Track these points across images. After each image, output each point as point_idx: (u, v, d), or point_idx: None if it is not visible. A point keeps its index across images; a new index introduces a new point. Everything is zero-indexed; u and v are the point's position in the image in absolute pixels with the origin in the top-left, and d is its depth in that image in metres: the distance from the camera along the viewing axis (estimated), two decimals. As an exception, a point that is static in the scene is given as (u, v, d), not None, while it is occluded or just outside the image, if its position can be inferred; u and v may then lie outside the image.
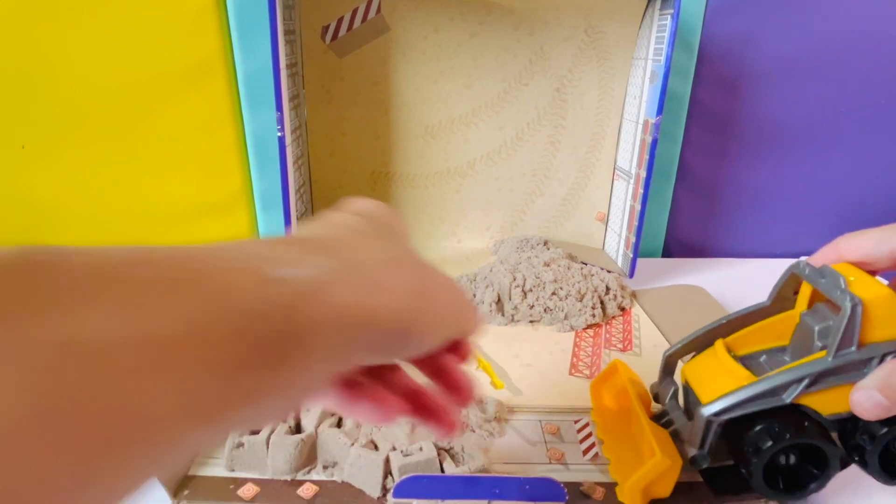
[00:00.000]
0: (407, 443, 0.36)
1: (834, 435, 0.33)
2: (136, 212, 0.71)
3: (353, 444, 0.36)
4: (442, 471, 0.34)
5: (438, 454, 0.35)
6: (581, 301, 0.57)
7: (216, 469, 0.36)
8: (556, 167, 0.73)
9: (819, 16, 0.67)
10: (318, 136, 0.71)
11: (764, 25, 0.67)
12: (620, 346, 0.53)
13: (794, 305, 0.37)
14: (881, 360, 0.31)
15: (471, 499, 0.32)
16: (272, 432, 0.36)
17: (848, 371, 0.32)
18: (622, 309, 0.59)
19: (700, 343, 0.39)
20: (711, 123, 0.72)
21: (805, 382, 0.32)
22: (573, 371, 0.49)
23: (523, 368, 0.49)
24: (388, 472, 0.35)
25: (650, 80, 0.61)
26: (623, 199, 0.68)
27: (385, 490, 0.34)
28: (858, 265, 0.34)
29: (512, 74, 0.69)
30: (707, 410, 0.33)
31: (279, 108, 0.58)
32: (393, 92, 0.69)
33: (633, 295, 0.62)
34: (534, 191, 0.74)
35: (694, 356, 0.38)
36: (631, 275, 0.65)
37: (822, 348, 0.33)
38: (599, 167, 0.72)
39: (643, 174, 0.62)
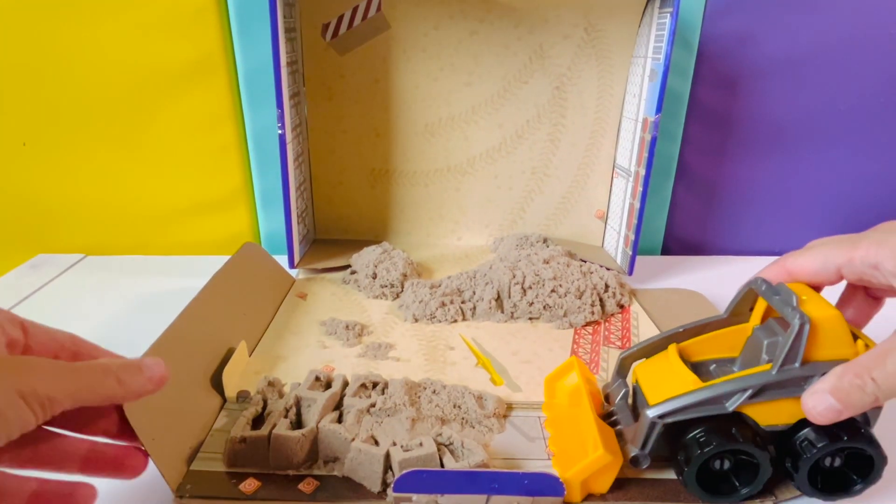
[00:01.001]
0: (407, 438, 0.36)
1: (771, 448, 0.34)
2: (136, 209, 0.71)
3: (353, 440, 0.36)
4: (442, 466, 0.35)
5: (438, 449, 0.35)
6: (580, 298, 0.57)
7: (218, 464, 0.36)
8: (555, 165, 0.73)
9: (819, 15, 0.67)
10: (318, 133, 0.71)
11: (764, 24, 0.67)
12: (619, 343, 0.54)
13: (749, 319, 0.38)
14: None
15: (470, 493, 0.32)
16: (273, 428, 0.36)
17: (788, 386, 0.33)
18: (621, 306, 0.60)
19: (656, 348, 0.40)
20: (711, 122, 0.72)
21: (748, 393, 0.33)
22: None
23: (522, 365, 0.50)
24: (388, 467, 0.35)
25: (649, 78, 0.62)
26: (622, 197, 0.69)
27: (385, 485, 0.35)
28: (807, 283, 0.35)
29: (512, 72, 0.69)
30: (652, 412, 0.34)
31: (280, 105, 0.58)
32: (393, 89, 0.70)
33: (632, 292, 0.63)
34: (533, 188, 0.74)
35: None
36: (630, 272, 0.65)
37: (769, 361, 0.34)
38: (599, 165, 0.73)
39: (642, 172, 0.62)
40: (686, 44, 0.68)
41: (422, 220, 0.76)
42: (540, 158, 0.73)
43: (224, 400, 0.43)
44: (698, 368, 0.37)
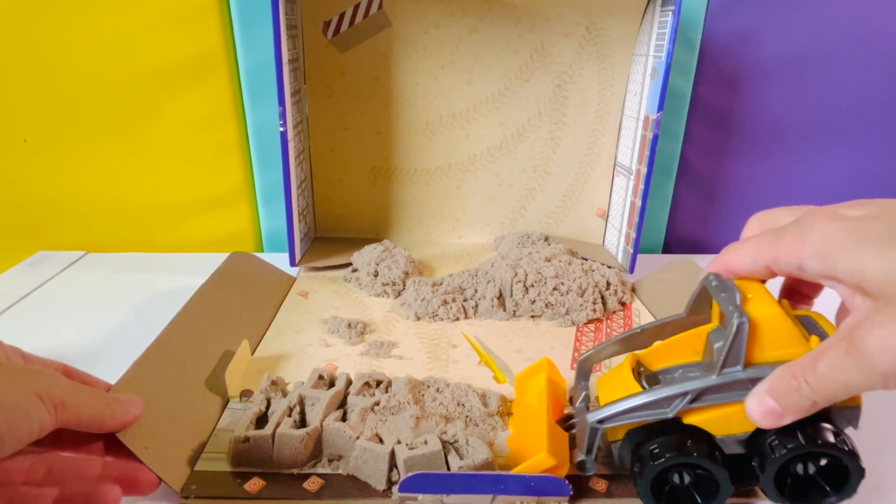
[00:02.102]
0: (412, 436, 0.36)
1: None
2: (137, 206, 0.71)
3: (358, 438, 0.36)
4: (447, 463, 0.35)
5: (444, 447, 0.35)
6: (582, 296, 0.57)
7: (222, 464, 0.36)
8: (556, 163, 0.73)
9: (820, 13, 0.67)
10: (319, 131, 0.71)
11: (765, 22, 0.67)
12: (621, 341, 0.54)
13: (712, 319, 0.36)
14: None
15: (475, 494, 0.32)
16: (277, 426, 0.36)
17: (734, 390, 0.31)
18: (623, 304, 0.60)
19: (612, 351, 0.40)
20: (712, 120, 0.72)
21: (688, 398, 0.31)
22: (575, 365, 0.50)
23: (525, 363, 0.49)
24: (393, 465, 0.35)
25: (651, 76, 0.61)
26: (623, 196, 0.69)
27: (390, 483, 0.35)
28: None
29: (513, 70, 0.69)
30: (592, 417, 0.34)
31: (281, 103, 0.58)
32: (394, 87, 0.69)
33: (634, 290, 0.63)
34: (534, 187, 0.74)
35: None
36: (631, 270, 0.65)
37: None
38: (600, 163, 0.73)
39: (644, 170, 0.62)
40: (688, 42, 0.68)
41: (423, 218, 0.75)
42: (541, 156, 0.73)
43: (227, 400, 0.43)
44: (664, 376, 0.35)
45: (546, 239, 0.71)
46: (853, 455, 0.30)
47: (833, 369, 0.27)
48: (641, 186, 0.63)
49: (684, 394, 0.31)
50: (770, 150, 0.73)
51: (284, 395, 0.42)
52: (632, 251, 0.65)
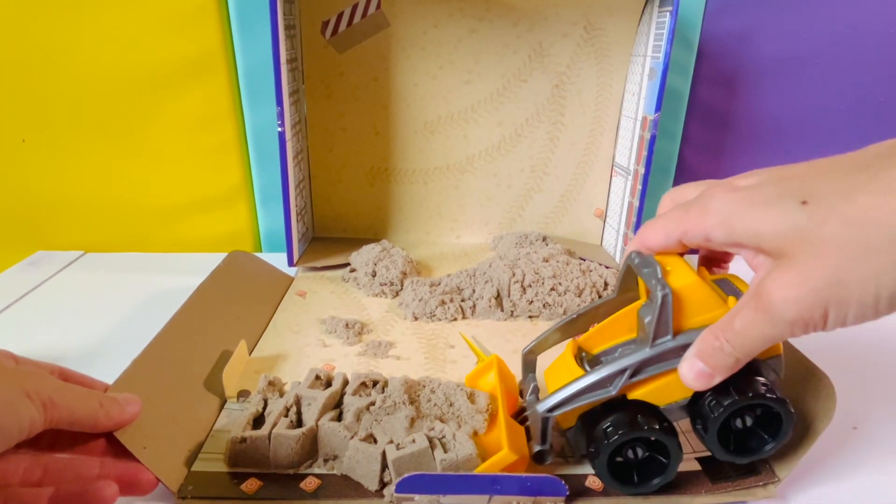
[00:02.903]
0: (405, 436, 0.36)
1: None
2: (136, 206, 0.71)
3: (352, 437, 0.36)
4: (433, 458, 0.35)
5: (431, 444, 0.35)
6: (580, 296, 0.57)
7: (219, 465, 0.36)
8: (554, 163, 0.73)
9: (819, 13, 0.67)
10: (317, 131, 0.71)
11: (764, 23, 0.67)
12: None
13: (641, 296, 0.37)
14: None
15: (471, 494, 0.32)
16: (274, 426, 0.37)
17: (669, 359, 0.33)
18: (620, 305, 0.60)
19: (554, 340, 0.40)
20: (710, 120, 0.72)
21: (628, 373, 0.33)
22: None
23: (522, 364, 0.50)
24: (385, 466, 0.35)
25: (649, 76, 0.62)
26: (621, 196, 0.69)
27: (382, 483, 0.35)
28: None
29: (511, 70, 0.69)
30: (541, 407, 0.35)
31: (280, 103, 0.58)
32: (392, 87, 0.69)
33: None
34: (532, 187, 0.74)
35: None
36: (629, 271, 0.65)
37: None
38: (598, 163, 0.73)
39: (641, 170, 0.62)
40: (686, 42, 0.68)
41: (421, 218, 0.76)
42: (539, 157, 0.73)
43: (224, 400, 0.43)
44: (605, 357, 0.36)
45: (544, 239, 0.71)
46: (782, 402, 0.33)
47: (747, 326, 0.29)
48: (639, 187, 0.63)
49: (623, 370, 0.33)
50: (768, 151, 0.73)
51: (281, 395, 0.42)
52: (629, 251, 0.65)
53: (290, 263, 0.65)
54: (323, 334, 0.53)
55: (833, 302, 0.26)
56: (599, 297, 0.58)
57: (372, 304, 0.59)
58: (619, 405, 0.34)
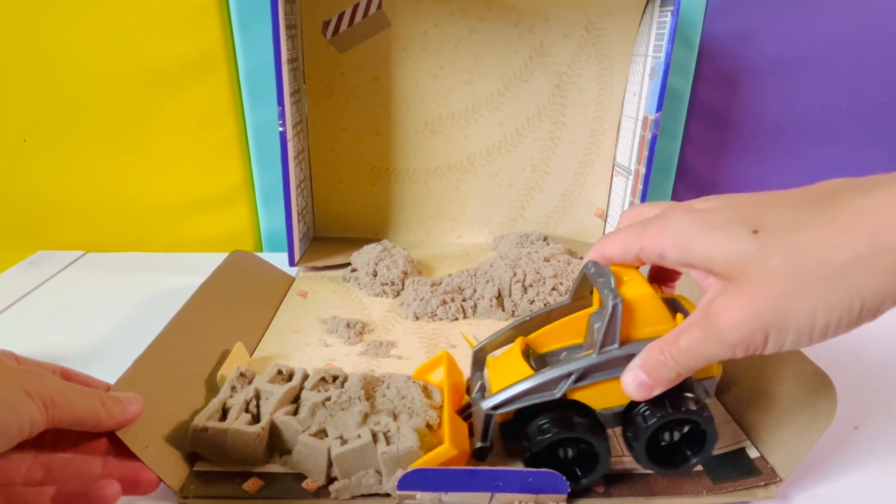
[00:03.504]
0: (355, 431, 0.36)
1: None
2: (136, 205, 0.71)
3: (304, 432, 0.36)
4: (377, 452, 0.35)
5: (374, 437, 0.35)
6: (580, 296, 0.57)
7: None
8: (555, 163, 0.73)
9: (819, 13, 0.67)
10: (318, 130, 0.71)
11: (764, 23, 0.67)
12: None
13: (593, 303, 0.38)
14: None
15: (473, 491, 0.32)
16: (235, 420, 0.37)
17: (613, 367, 0.33)
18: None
19: (506, 339, 0.41)
20: (711, 120, 0.72)
21: (573, 378, 0.34)
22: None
23: (523, 363, 0.50)
24: (332, 461, 0.35)
25: (650, 76, 0.62)
26: (622, 196, 0.69)
27: (329, 479, 0.35)
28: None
29: (512, 70, 0.69)
30: (486, 404, 0.35)
31: (281, 102, 0.58)
32: (393, 87, 0.69)
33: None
34: (533, 187, 0.74)
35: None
36: (630, 270, 0.65)
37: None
38: (599, 163, 0.73)
39: (643, 170, 0.62)
40: (687, 42, 0.68)
41: (422, 217, 0.76)
42: (540, 156, 0.73)
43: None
44: (549, 358, 0.37)
45: (545, 239, 0.71)
46: (710, 420, 0.34)
47: (693, 344, 0.30)
48: (640, 186, 0.63)
49: (569, 374, 0.34)
50: (768, 150, 0.73)
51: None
52: (630, 251, 0.65)
53: (291, 263, 0.65)
54: (324, 334, 0.53)
55: (773, 328, 0.28)
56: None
57: (373, 303, 0.59)
58: (557, 403, 0.35)
